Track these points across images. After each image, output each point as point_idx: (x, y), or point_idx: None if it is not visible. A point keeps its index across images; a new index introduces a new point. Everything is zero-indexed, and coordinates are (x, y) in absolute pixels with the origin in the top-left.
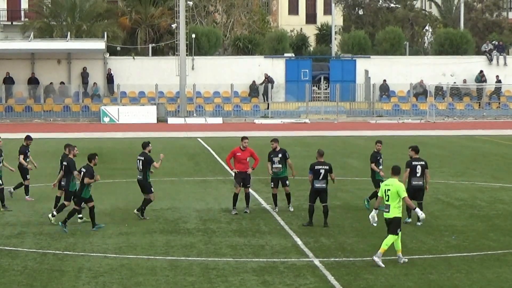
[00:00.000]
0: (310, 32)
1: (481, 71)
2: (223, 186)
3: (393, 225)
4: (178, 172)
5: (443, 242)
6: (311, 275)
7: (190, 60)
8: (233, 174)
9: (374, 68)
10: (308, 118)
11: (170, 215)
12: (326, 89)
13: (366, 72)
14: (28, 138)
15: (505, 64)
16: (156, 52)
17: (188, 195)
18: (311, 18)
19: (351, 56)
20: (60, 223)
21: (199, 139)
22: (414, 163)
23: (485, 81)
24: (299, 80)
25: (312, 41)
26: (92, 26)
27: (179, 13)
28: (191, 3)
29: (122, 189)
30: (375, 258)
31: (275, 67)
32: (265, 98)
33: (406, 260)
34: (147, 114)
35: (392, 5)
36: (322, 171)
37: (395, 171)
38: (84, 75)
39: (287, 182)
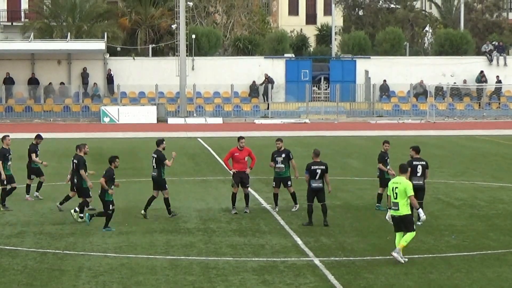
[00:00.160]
0: (310, 32)
1: (482, 72)
2: (223, 186)
3: (407, 223)
4: (178, 172)
5: (443, 242)
6: (311, 274)
7: (190, 60)
8: (232, 174)
9: (374, 69)
10: (308, 118)
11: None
12: (326, 89)
13: (366, 72)
14: (38, 137)
15: (505, 64)
16: (156, 53)
17: (188, 195)
18: (311, 18)
19: (351, 57)
20: (103, 229)
21: (199, 139)
22: (415, 163)
23: (485, 81)
24: (299, 80)
25: (312, 41)
26: (92, 26)
27: (179, 13)
28: (191, 3)
29: (122, 189)
30: (393, 253)
31: (275, 68)
32: (265, 99)
33: (406, 259)
34: (147, 114)
35: (392, 5)
36: (319, 171)
37: (403, 169)
38: (84, 76)
39: (289, 183)
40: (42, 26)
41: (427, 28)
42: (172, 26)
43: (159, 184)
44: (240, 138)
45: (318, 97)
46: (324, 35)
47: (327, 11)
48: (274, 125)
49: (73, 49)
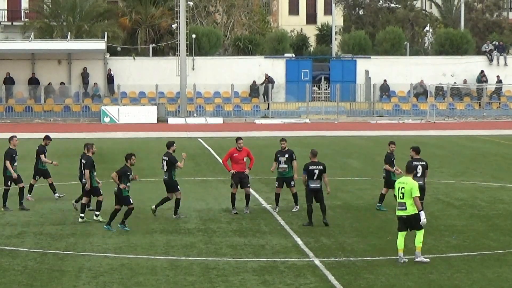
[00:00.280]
0: (311, 32)
1: (482, 71)
2: (223, 186)
3: (415, 222)
4: (178, 172)
5: (443, 242)
6: (311, 274)
7: (190, 60)
8: (231, 174)
9: (375, 68)
10: (308, 118)
11: (170, 215)
12: (326, 89)
13: (367, 72)
14: (47, 137)
15: (505, 64)
16: (157, 53)
17: (188, 195)
18: (311, 18)
19: (352, 56)
20: (119, 225)
21: (199, 139)
22: (415, 163)
23: (485, 81)
24: (300, 80)
25: (312, 41)
26: (92, 26)
27: (179, 13)
28: (191, 3)
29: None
30: (417, 259)
31: (275, 67)
32: (266, 98)
33: (406, 260)
34: (148, 114)
35: (392, 5)
36: (316, 171)
37: (410, 169)
38: (85, 75)
39: (292, 183)
40: (42, 25)
41: (427, 28)
42: (173, 25)
43: (171, 186)
44: (238, 138)
45: (318, 97)
46: (324, 35)
47: (327, 11)
48: (274, 125)
49: (73, 49)
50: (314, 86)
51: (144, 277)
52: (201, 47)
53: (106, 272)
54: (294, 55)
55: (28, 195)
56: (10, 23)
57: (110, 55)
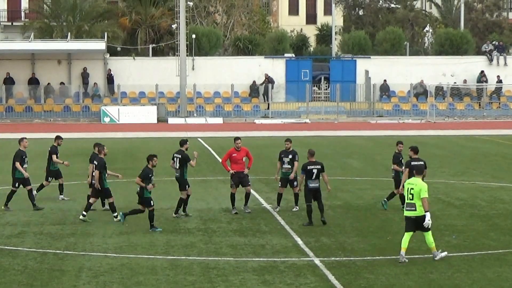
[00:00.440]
0: (310, 32)
1: (482, 71)
2: (223, 186)
3: (423, 223)
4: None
5: (444, 242)
6: (311, 274)
7: (190, 60)
8: (230, 175)
9: (375, 68)
10: (308, 118)
11: (170, 214)
12: (326, 89)
13: (367, 72)
14: (58, 137)
15: (505, 64)
16: (157, 53)
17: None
18: (311, 18)
19: (351, 56)
20: (150, 229)
21: (199, 139)
22: (413, 163)
23: (485, 81)
24: (300, 80)
25: (312, 41)
26: (92, 26)
27: (179, 13)
28: (191, 3)
29: (122, 189)
30: (437, 258)
31: (275, 67)
32: (266, 98)
33: (407, 260)
34: (148, 114)
35: (392, 5)
36: (315, 171)
37: (419, 171)
38: (85, 76)
39: (295, 183)
40: (42, 26)
41: (427, 28)
42: (172, 26)
43: (180, 184)
44: (236, 138)
45: (318, 97)
46: (324, 35)
47: (327, 11)
48: (274, 125)
49: (73, 49)
50: (314, 86)
51: (144, 276)
52: (201, 47)
53: (106, 271)
54: (294, 55)
55: (35, 192)
56: (10, 23)
57: (110, 55)
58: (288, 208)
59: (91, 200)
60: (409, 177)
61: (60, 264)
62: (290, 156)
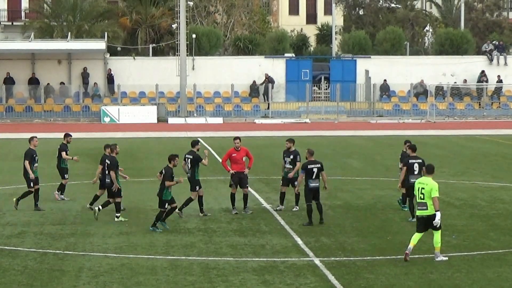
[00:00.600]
0: (311, 32)
1: (483, 71)
2: (223, 186)
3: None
4: (178, 172)
5: (444, 242)
6: (311, 274)
7: (190, 60)
8: (230, 174)
9: (375, 68)
10: (308, 118)
11: (170, 214)
12: (326, 89)
13: (367, 72)
14: (67, 135)
15: (505, 64)
16: (157, 52)
17: (188, 195)
18: (311, 18)
19: (352, 56)
20: (150, 227)
21: (199, 139)
22: (411, 161)
23: (486, 81)
24: (300, 80)
25: (312, 41)
26: (92, 26)
27: (179, 13)
28: (191, 3)
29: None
30: (437, 259)
31: (275, 67)
32: (266, 98)
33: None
34: (148, 114)
35: (392, 5)
36: (315, 170)
37: (430, 170)
38: (85, 75)
39: (295, 183)
40: (43, 25)
41: (427, 28)
42: (173, 25)
43: (192, 184)
44: (234, 138)
45: (319, 97)
46: (324, 35)
47: (328, 11)
48: (274, 125)
49: (73, 49)
50: (314, 86)
51: (144, 277)
52: (201, 47)
53: (106, 272)
54: (294, 55)
55: (57, 192)
56: (10, 23)
57: (110, 55)
58: (288, 208)
59: (117, 200)
60: (407, 176)
61: (60, 264)
62: (292, 157)
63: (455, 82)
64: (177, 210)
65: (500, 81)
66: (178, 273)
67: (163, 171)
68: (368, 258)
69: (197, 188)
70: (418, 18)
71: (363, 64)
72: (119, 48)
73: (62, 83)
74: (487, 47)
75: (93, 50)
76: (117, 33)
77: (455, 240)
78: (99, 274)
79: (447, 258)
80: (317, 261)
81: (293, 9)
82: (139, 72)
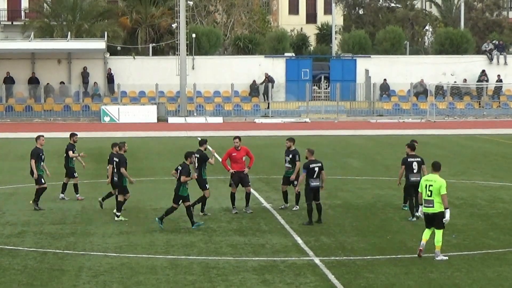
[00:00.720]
0: (311, 31)
1: (483, 71)
2: (223, 185)
3: (439, 220)
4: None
5: (444, 241)
6: (311, 274)
7: (190, 59)
8: (230, 174)
9: (375, 68)
10: (308, 117)
11: (170, 214)
12: (326, 88)
13: (367, 71)
14: (73, 135)
15: (505, 63)
16: (157, 52)
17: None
18: (311, 17)
19: (352, 56)
20: (157, 218)
21: (199, 139)
22: (409, 159)
23: (486, 80)
24: (300, 79)
25: (312, 40)
26: (92, 26)
27: (179, 13)
28: (191, 3)
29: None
30: (437, 258)
31: (275, 67)
32: (266, 98)
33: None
34: (148, 113)
35: (392, 4)
36: (317, 169)
37: (436, 167)
38: (85, 75)
39: (295, 183)
40: (42, 25)
41: (427, 27)
42: (173, 25)
43: (200, 184)
44: (234, 138)
45: (318, 96)
46: (324, 34)
47: (327, 10)
48: (274, 125)
49: (73, 49)
50: (314, 85)
51: (144, 276)
52: (201, 46)
53: (106, 271)
54: (294, 55)
55: (77, 195)
56: (10, 23)
57: (110, 55)
58: (288, 207)
59: (126, 197)
60: (406, 175)
61: (60, 264)
62: (291, 156)
63: (455, 82)
64: (200, 212)
65: (499, 80)
66: (178, 273)
67: (179, 167)
68: (368, 257)
69: (207, 186)
70: (418, 18)
71: (363, 64)
72: (119, 48)
73: (62, 82)
74: (487, 46)
75: (93, 50)
76: (117, 32)
77: (455, 240)
78: (99, 273)
79: (447, 258)
80: (317, 260)
81: (293, 9)
82: (139, 71)
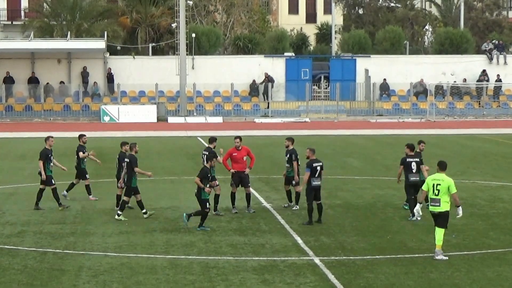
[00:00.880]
0: (310, 31)
1: (484, 70)
2: (223, 185)
3: (442, 219)
4: (178, 171)
5: (443, 241)
6: (311, 273)
7: (190, 59)
8: (231, 174)
9: (374, 67)
10: (308, 117)
11: (170, 214)
12: (326, 88)
13: (366, 71)
14: (82, 136)
15: (505, 63)
16: (156, 52)
17: (188, 194)
18: (311, 17)
19: (351, 55)
20: (198, 228)
21: (199, 138)
22: (408, 160)
23: (486, 80)
24: (299, 79)
25: (312, 40)
26: (92, 25)
27: (179, 12)
28: (191, 2)
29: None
30: (437, 257)
31: (275, 66)
32: (265, 97)
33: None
34: (147, 113)
35: (392, 4)
36: (319, 168)
37: (442, 167)
38: (84, 75)
39: (293, 182)
40: (42, 25)
41: (427, 27)
42: (172, 25)
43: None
44: (235, 137)
45: (318, 96)
46: (324, 34)
47: (327, 10)
48: (274, 124)
49: (73, 48)
50: (314, 85)
51: (144, 276)
52: (201, 46)
53: (106, 271)
54: (294, 54)
55: (90, 196)
56: (9, 23)
57: (110, 54)
58: (291, 205)
59: (138, 197)
60: (406, 175)
61: (60, 264)
62: (288, 156)
63: (455, 82)
64: (214, 212)
65: (499, 80)
66: (178, 272)
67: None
68: (368, 257)
69: (217, 183)
70: (418, 18)
71: (362, 63)
72: (118, 47)
73: (62, 82)
74: (486, 46)
75: (93, 49)
76: (117, 32)
77: (455, 239)
78: (99, 273)
79: (447, 257)
80: (317, 260)
81: (293, 8)
82: (139, 71)
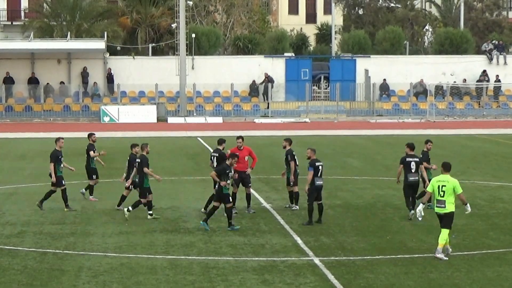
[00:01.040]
0: (310, 31)
1: (484, 71)
2: None
3: (447, 219)
4: (178, 172)
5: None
6: (311, 274)
7: (190, 59)
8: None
9: (374, 68)
10: (308, 117)
11: (170, 214)
12: (326, 88)
13: (366, 71)
14: (91, 134)
15: (505, 63)
16: (156, 52)
17: (188, 194)
18: (311, 17)
19: (351, 56)
20: (228, 228)
21: (199, 139)
22: (408, 159)
23: (487, 81)
24: (299, 79)
25: (312, 40)
26: (92, 25)
27: (179, 13)
28: (191, 3)
29: (122, 189)
30: (437, 255)
31: (275, 67)
32: (265, 98)
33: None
34: (147, 113)
35: (392, 4)
36: (321, 168)
37: (447, 168)
38: (84, 75)
39: (291, 183)
40: (42, 25)
41: (427, 27)
42: (172, 25)
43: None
44: (237, 137)
45: (318, 96)
46: (324, 34)
47: (327, 10)
48: (274, 124)
49: (73, 49)
50: (313, 85)
51: (144, 276)
52: (201, 46)
53: (106, 271)
54: (293, 55)
55: (90, 196)
56: (9, 23)
57: (109, 55)
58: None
59: (149, 198)
60: (405, 174)
61: (59, 264)
62: (285, 156)
63: (455, 82)
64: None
65: (498, 80)
66: (178, 273)
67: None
68: (367, 257)
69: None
70: (418, 18)
71: (362, 64)
72: (118, 48)
73: (61, 82)
74: (486, 46)
75: (93, 50)
76: (116, 32)
77: (455, 240)
78: (99, 273)
79: (447, 258)
80: (316, 260)
81: (293, 9)
82: (138, 71)
